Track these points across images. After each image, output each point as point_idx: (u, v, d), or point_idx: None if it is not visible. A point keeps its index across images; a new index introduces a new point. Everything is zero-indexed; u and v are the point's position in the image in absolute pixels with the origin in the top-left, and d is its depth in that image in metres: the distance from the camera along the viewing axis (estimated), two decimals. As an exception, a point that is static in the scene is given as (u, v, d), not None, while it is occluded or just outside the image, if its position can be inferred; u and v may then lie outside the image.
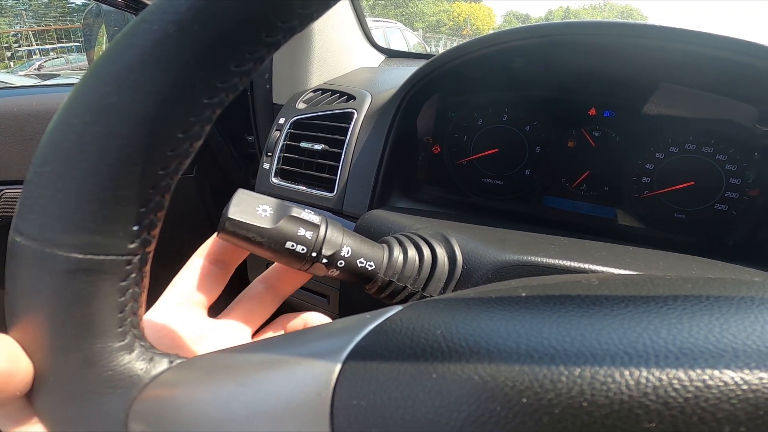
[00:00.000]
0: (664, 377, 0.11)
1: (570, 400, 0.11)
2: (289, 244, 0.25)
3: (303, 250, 0.26)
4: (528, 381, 0.12)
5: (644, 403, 0.11)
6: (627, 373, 0.11)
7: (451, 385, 0.13)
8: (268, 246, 0.25)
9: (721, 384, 0.11)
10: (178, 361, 0.17)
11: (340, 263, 0.27)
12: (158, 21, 0.13)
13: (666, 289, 0.15)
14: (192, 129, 0.15)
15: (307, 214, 0.27)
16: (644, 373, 0.11)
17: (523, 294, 0.16)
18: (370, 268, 0.28)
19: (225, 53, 0.14)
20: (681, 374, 0.11)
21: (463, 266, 0.30)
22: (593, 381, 0.11)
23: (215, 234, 0.25)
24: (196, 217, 0.81)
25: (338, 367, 0.14)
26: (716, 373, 0.11)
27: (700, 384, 0.11)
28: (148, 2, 0.66)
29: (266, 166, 0.60)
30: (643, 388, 0.11)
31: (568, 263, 0.30)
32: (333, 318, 0.21)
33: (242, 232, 0.24)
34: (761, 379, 0.11)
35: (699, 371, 0.11)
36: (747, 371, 0.11)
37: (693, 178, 0.47)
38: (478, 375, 0.13)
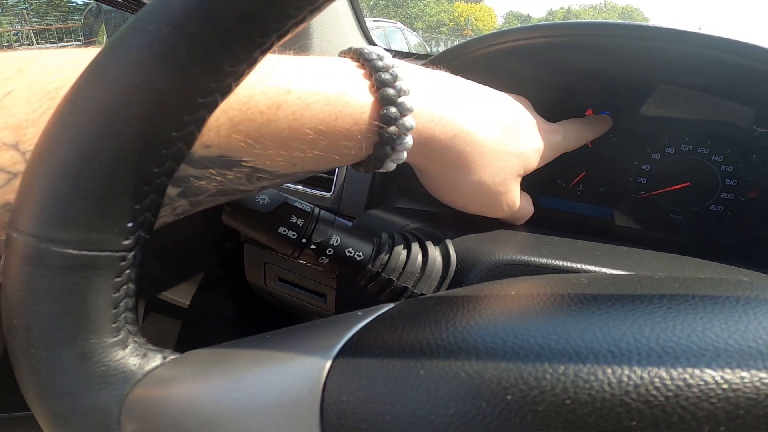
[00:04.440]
0: (645, 375, 0.11)
1: (554, 398, 0.12)
2: (281, 230, 0.27)
3: (294, 235, 0.27)
4: (513, 378, 0.12)
5: (625, 401, 0.11)
6: (609, 371, 0.12)
7: (439, 381, 0.13)
8: (262, 230, 0.27)
9: (701, 383, 0.11)
10: (172, 357, 0.17)
11: (329, 251, 0.28)
12: (153, 21, 0.13)
13: (653, 288, 0.15)
14: (186, 128, 0.15)
15: (301, 203, 0.28)
16: (626, 372, 0.11)
17: (513, 292, 0.16)
18: (358, 258, 0.28)
19: (219, 53, 0.14)
20: (662, 373, 0.11)
21: (457, 265, 0.31)
22: (576, 379, 0.12)
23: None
24: (194, 216, 0.81)
25: (329, 363, 0.15)
26: (697, 372, 0.11)
27: (680, 383, 0.11)
28: (147, 1, 0.66)
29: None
30: (624, 386, 0.11)
31: (561, 263, 0.31)
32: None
33: (241, 217, 0.27)
34: (742, 378, 0.11)
35: (680, 370, 0.11)
36: (728, 370, 0.11)
37: (689, 179, 0.47)
38: (465, 372, 0.13)
